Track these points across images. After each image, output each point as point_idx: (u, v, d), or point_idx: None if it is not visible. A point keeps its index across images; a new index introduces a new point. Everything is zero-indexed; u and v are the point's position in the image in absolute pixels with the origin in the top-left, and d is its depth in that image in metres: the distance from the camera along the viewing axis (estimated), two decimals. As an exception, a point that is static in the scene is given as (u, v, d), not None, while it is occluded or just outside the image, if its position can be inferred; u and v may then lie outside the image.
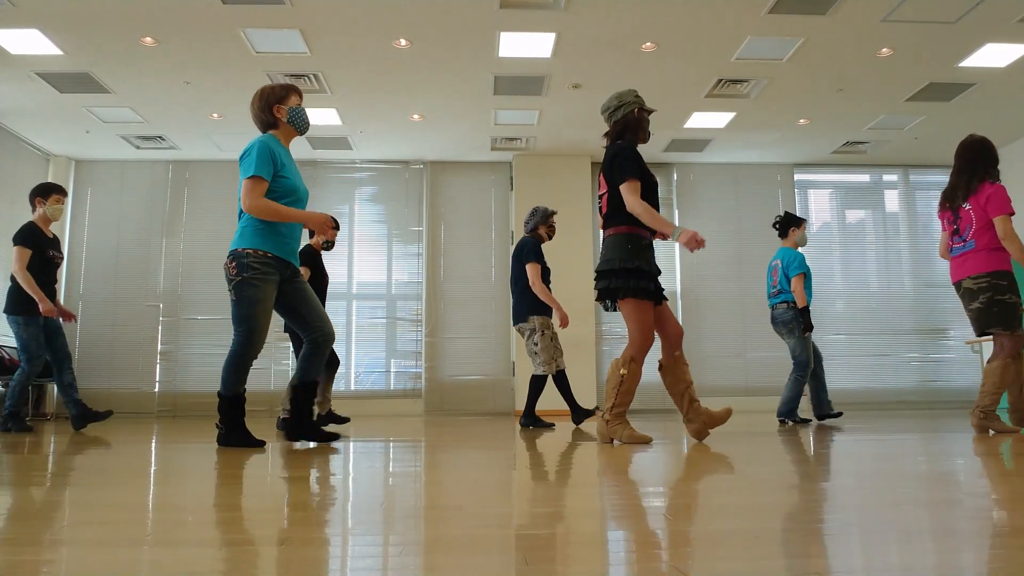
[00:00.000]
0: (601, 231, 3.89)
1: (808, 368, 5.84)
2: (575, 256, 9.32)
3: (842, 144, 9.32)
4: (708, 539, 1.29)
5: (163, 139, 8.91)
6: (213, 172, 9.65)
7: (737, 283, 9.75)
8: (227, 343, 9.32)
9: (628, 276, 3.66)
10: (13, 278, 5.38)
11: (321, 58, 6.83)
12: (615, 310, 3.80)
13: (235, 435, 3.54)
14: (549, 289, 5.67)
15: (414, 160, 9.78)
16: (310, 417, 3.75)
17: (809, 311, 5.83)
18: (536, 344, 5.54)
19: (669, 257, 9.76)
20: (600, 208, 3.91)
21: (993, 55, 6.80)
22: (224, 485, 2.10)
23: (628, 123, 3.89)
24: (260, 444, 3.51)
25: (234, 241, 3.59)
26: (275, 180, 3.58)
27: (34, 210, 5.51)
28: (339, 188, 9.75)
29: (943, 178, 10.22)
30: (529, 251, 5.62)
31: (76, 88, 7.42)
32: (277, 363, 9.33)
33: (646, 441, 3.66)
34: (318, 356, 3.73)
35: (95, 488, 2.05)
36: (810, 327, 5.81)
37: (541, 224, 5.80)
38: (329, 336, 3.75)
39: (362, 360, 9.48)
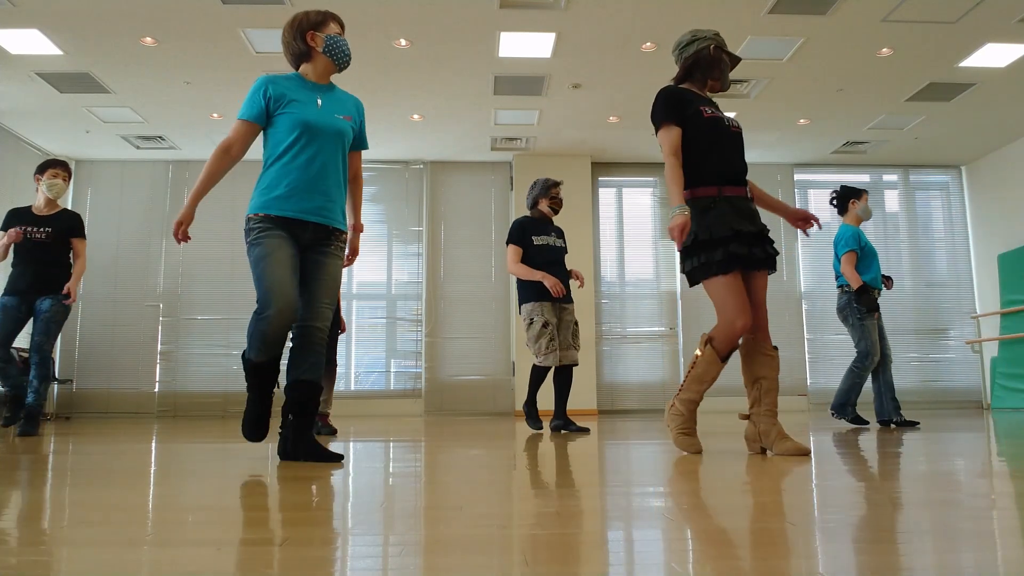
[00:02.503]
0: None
1: (869, 359, 5.12)
2: (576, 255, 9.31)
3: (842, 144, 9.32)
4: (708, 539, 1.29)
5: (163, 139, 8.91)
6: (213, 172, 9.63)
7: (737, 283, 9.73)
8: (227, 343, 9.33)
9: (691, 254, 3.05)
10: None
11: (321, 58, 6.82)
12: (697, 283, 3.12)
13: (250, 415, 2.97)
14: (557, 262, 5.04)
15: (414, 160, 9.78)
16: (308, 429, 2.94)
17: (868, 291, 5.08)
18: (527, 334, 4.96)
19: (670, 258, 9.76)
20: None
21: (993, 55, 6.80)
22: (224, 485, 2.10)
23: (699, 61, 3.20)
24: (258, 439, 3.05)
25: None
26: (274, 119, 2.90)
27: (37, 190, 5.09)
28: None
29: (943, 178, 10.23)
30: (512, 230, 5.06)
31: (76, 88, 7.42)
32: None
33: (690, 450, 3.06)
34: (298, 351, 2.95)
35: (95, 488, 2.05)
36: (874, 308, 5.06)
37: (542, 197, 5.16)
38: (310, 331, 2.93)
39: (362, 360, 9.48)
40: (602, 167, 9.84)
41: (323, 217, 2.89)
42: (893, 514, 1.51)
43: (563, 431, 4.89)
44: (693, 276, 3.06)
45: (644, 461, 2.73)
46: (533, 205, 5.22)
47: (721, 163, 3.07)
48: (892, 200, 10.19)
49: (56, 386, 9.09)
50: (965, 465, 2.46)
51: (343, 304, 9.45)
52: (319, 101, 2.96)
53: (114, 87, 7.42)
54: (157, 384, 9.23)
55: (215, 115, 8.18)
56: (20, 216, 4.99)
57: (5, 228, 4.96)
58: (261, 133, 2.99)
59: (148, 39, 6.44)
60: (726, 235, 2.97)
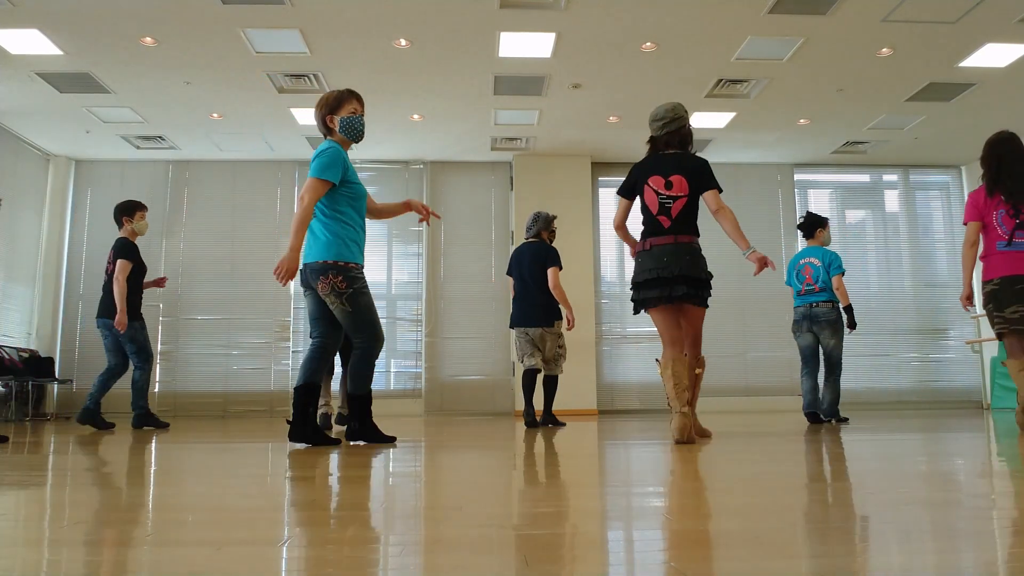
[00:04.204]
0: (665, 235, 3.83)
1: (841, 368, 5.99)
2: (575, 256, 9.32)
3: (842, 144, 9.32)
4: (708, 539, 1.29)
5: (163, 139, 8.91)
6: (213, 172, 9.65)
7: (737, 283, 9.74)
8: (227, 343, 9.33)
9: (703, 286, 3.79)
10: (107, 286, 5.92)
11: (321, 58, 6.83)
12: (644, 312, 3.97)
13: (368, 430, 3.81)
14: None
15: (414, 160, 9.78)
16: (313, 419, 3.68)
17: (852, 309, 5.93)
18: (560, 348, 5.76)
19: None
20: (666, 212, 3.85)
21: (993, 55, 6.80)
22: (224, 485, 2.10)
23: (690, 134, 4.01)
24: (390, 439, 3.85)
25: (321, 251, 3.66)
26: (347, 185, 3.70)
27: (120, 227, 6.03)
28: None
29: (943, 178, 10.23)
30: (549, 255, 5.72)
31: (76, 88, 7.43)
32: (277, 363, 9.33)
33: (708, 435, 4.08)
34: (321, 360, 3.76)
35: (95, 488, 2.05)
36: (853, 324, 5.90)
37: (543, 230, 5.87)
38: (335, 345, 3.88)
39: (362, 360, 9.47)
40: (602, 167, 9.85)
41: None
42: (893, 514, 1.52)
43: (550, 425, 5.76)
44: (700, 303, 3.84)
45: (644, 461, 2.73)
46: (536, 235, 5.88)
47: None
48: (892, 200, 10.19)
49: (56, 386, 9.09)
50: (965, 465, 2.46)
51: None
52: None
53: (114, 87, 7.42)
54: (157, 384, 9.23)
55: (215, 115, 8.18)
56: (134, 249, 5.95)
57: (127, 256, 5.85)
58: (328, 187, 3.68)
59: (148, 39, 6.44)
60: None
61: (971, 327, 9.88)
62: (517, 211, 9.39)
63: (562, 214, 9.35)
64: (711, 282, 3.88)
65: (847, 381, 9.61)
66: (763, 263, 3.68)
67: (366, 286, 3.73)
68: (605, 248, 9.74)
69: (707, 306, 3.87)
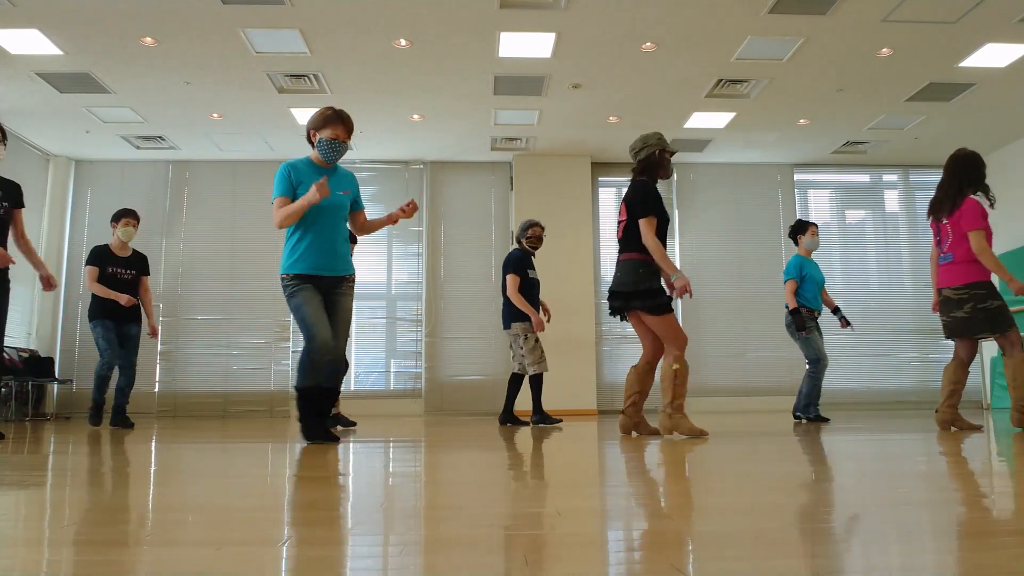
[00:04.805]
0: (616, 254, 4.41)
1: (820, 364, 6.08)
2: (576, 255, 9.32)
3: (842, 144, 9.32)
4: (708, 539, 1.29)
5: (163, 139, 8.91)
6: (213, 172, 9.65)
7: (737, 283, 9.75)
8: (227, 343, 9.34)
9: (649, 296, 4.20)
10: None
11: (321, 58, 6.83)
12: (625, 320, 4.41)
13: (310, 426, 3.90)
14: (536, 296, 6.06)
15: (414, 160, 9.78)
16: (319, 417, 3.88)
17: (800, 312, 6.10)
18: (522, 348, 5.94)
19: (670, 255, 9.75)
20: (617, 232, 4.45)
21: (993, 55, 6.80)
22: (224, 485, 2.10)
23: (651, 162, 4.37)
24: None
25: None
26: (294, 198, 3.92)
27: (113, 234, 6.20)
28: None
29: (943, 178, 10.22)
30: (508, 263, 5.99)
31: (76, 88, 7.43)
32: (277, 363, 9.34)
33: (703, 434, 4.09)
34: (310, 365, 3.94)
35: (95, 488, 2.05)
36: (801, 327, 6.07)
37: (521, 236, 6.13)
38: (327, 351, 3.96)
39: (362, 360, 9.48)
40: (602, 167, 9.84)
41: (331, 270, 3.94)
42: (893, 514, 1.52)
43: (510, 424, 5.90)
44: (652, 312, 4.22)
45: (643, 461, 2.73)
46: (519, 241, 6.15)
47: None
48: (892, 200, 10.19)
49: (56, 386, 9.09)
50: (965, 465, 2.46)
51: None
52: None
53: (114, 87, 7.42)
54: (157, 384, 9.23)
55: (215, 115, 8.18)
56: (103, 255, 6.07)
57: (92, 263, 6.01)
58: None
59: (148, 39, 6.44)
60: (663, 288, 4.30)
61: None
62: (517, 211, 9.39)
63: (562, 214, 9.36)
64: (656, 290, 4.22)
65: (847, 381, 9.61)
66: (683, 291, 4.13)
67: (296, 292, 3.85)
68: (605, 248, 9.74)
69: (662, 312, 4.19)
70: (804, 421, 6.04)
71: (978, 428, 4.61)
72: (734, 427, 5.15)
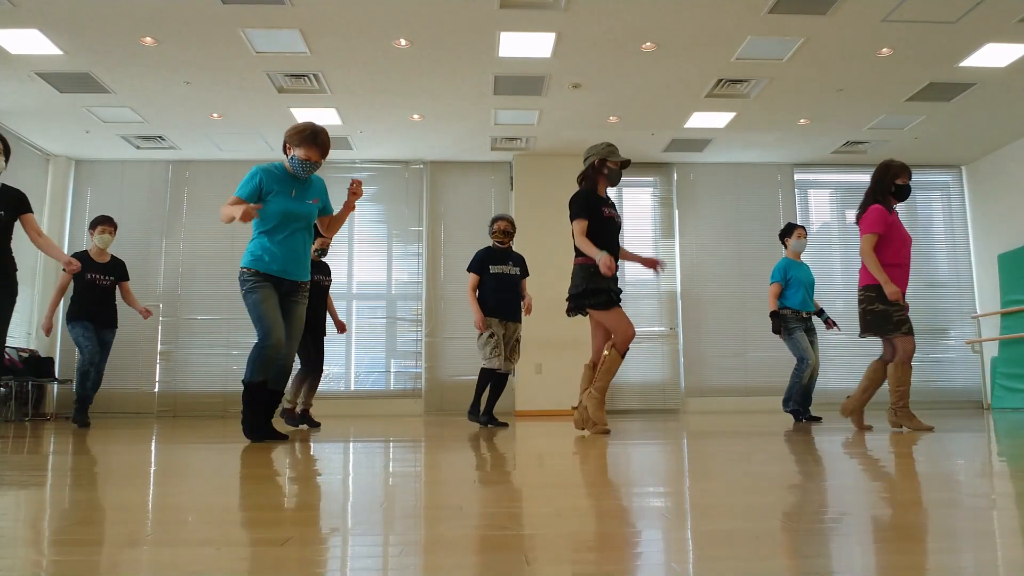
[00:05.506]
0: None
1: (805, 363, 6.25)
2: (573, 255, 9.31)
3: (842, 144, 9.32)
4: (708, 539, 1.29)
5: (163, 139, 8.91)
6: (213, 172, 9.65)
7: (737, 283, 9.74)
8: (227, 343, 9.34)
9: (594, 295, 4.48)
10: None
11: (321, 58, 6.83)
12: (586, 315, 4.66)
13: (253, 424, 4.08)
14: (508, 290, 5.92)
15: (414, 160, 9.78)
16: (262, 416, 4.07)
17: (778, 314, 6.34)
18: (478, 341, 5.95)
19: (670, 258, 9.76)
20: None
21: (993, 55, 6.80)
22: (224, 485, 2.10)
23: (586, 173, 4.69)
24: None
25: None
26: (264, 200, 4.05)
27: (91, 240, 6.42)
28: (339, 188, 9.73)
29: (943, 178, 10.24)
30: (471, 262, 5.98)
31: (76, 88, 7.42)
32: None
33: (607, 432, 4.45)
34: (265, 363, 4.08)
35: (95, 488, 2.05)
36: (777, 330, 6.35)
37: (488, 232, 6.07)
38: (280, 354, 4.11)
39: (362, 360, 9.47)
40: (602, 167, 9.82)
41: (293, 275, 4.14)
42: (893, 514, 1.52)
43: (488, 425, 5.81)
44: (597, 308, 4.51)
45: (644, 461, 2.73)
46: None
47: (607, 247, 4.57)
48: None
49: (56, 386, 9.09)
50: (965, 465, 2.46)
51: (343, 304, 9.45)
52: (293, 192, 4.12)
53: (114, 87, 7.42)
54: (157, 384, 9.23)
55: (215, 115, 8.18)
56: (82, 260, 6.24)
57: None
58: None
59: (148, 39, 6.44)
60: (609, 285, 4.51)
61: (971, 327, 9.88)
62: (517, 211, 9.38)
63: (562, 214, 9.34)
64: (600, 289, 4.46)
65: (846, 381, 9.60)
66: (607, 269, 4.32)
67: (256, 288, 4.00)
68: (605, 248, 9.72)
69: (609, 308, 4.46)
70: (803, 420, 6.12)
71: (868, 428, 4.80)
72: (734, 427, 5.15)
